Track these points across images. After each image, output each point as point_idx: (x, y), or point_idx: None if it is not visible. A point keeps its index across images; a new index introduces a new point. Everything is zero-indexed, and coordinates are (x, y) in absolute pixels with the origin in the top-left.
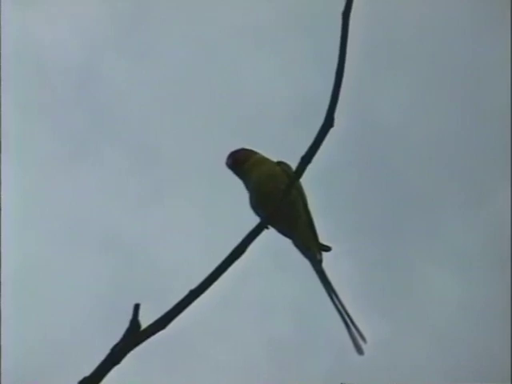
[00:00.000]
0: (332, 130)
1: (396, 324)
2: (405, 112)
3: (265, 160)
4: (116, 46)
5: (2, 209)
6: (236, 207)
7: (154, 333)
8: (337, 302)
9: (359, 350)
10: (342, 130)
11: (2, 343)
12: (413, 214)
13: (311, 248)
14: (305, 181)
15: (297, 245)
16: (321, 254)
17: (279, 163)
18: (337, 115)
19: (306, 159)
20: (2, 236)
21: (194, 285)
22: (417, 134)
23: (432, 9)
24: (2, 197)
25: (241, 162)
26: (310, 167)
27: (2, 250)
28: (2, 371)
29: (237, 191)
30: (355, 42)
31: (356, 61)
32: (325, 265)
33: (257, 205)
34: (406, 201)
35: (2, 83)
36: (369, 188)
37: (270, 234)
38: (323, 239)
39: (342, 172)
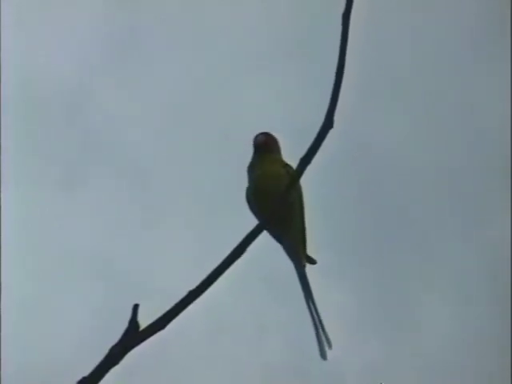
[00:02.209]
0: (327, 152)
1: (390, 348)
2: (402, 135)
3: (277, 160)
4: (109, 69)
5: None
6: (231, 230)
7: (153, 333)
8: (312, 307)
9: (323, 355)
10: (338, 153)
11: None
12: (409, 239)
13: (299, 253)
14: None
15: (286, 247)
16: (305, 261)
17: (286, 165)
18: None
19: (306, 160)
20: None
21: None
22: (413, 156)
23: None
24: None
25: (267, 149)
26: (305, 186)
27: None
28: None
29: (232, 214)
30: (351, 69)
31: (352, 86)
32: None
33: (254, 200)
34: (402, 225)
35: None
36: (364, 212)
37: (265, 256)
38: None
39: (337, 195)
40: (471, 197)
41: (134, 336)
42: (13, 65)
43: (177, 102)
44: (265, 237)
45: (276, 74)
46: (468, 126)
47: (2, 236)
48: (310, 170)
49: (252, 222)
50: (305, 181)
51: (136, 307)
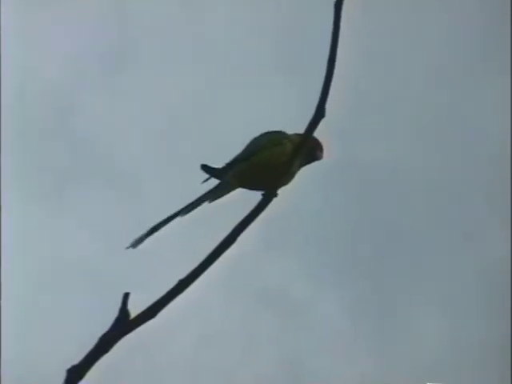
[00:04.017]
0: (320, 165)
1: (383, 360)
2: (395, 146)
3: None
4: (100, 78)
5: None
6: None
7: (143, 322)
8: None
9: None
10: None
11: None
12: (402, 251)
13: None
14: (294, 215)
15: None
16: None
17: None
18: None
19: (298, 150)
20: None
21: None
22: (403, 169)
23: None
24: None
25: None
26: (297, 201)
27: None
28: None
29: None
30: (345, 79)
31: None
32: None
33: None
34: (396, 237)
35: None
36: (358, 223)
37: (255, 266)
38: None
39: (330, 208)
40: (464, 209)
41: (124, 325)
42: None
43: (168, 112)
44: (256, 247)
45: (270, 86)
46: (464, 135)
47: None
48: (304, 181)
49: (242, 213)
50: (298, 192)
51: (126, 296)
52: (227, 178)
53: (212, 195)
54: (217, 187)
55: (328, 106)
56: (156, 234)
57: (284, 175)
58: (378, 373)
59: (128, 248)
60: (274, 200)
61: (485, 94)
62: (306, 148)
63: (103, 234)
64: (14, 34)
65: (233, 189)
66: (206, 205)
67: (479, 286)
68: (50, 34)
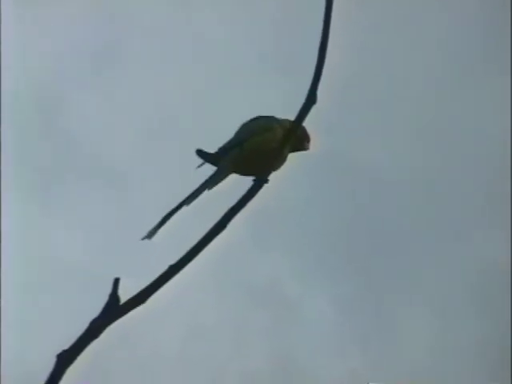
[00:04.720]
0: (313, 167)
1: (372, 357)
2: (387, 144)
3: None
4: (87, 76)
5: None
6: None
7: (133, 307)
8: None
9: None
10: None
11: None
12: (392, 249)
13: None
14: (286, 210)
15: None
16: None
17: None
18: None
19: (289, 136)
20: None
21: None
22: (397, 166)
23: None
24: None
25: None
26: (289, 196)
27: None
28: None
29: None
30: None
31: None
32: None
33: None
34: (386, 236)
35: None
36: (348, 224)
37: (245, 260)
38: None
39: (322, 203)
40: (456, 211)
41: (114, 310)
42: None
43: (157, 110)
44: (246, 242)
45: (262, 87)
46: (463, 134)
47: None
48: (296, 176)
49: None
50: (289, 187)
51: (117, 281)
52: (222, 163)
53: (211, 182)
54: (214, 174)
55: (321, 98)
56: (147, 222)
57: (275, 161)
58: (368, 369)
59: (143, 239)
60: (266, 192)
61: (485, 94)
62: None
63: (92, 232)
64: (1, 33)
65: (228, 174)
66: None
67: (474, 285)
68: (37, 33)
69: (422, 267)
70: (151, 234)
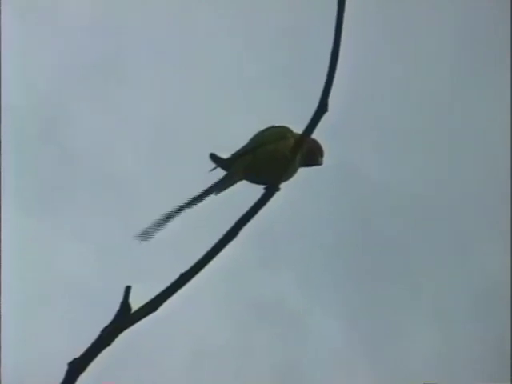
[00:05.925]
0: (317, 173)
1: (378, 373)
2: (393, 160)
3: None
4: (90, 88)
5: None
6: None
7: (144, 315)
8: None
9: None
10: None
11: None
12: (397, 264)
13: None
14: (290, 226)
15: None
16: None
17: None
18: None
19: (299, 144)
20: None
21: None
22: (397, 183)
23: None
24: None
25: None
26: (294, 211)
27: None
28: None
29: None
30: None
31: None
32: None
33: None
34: (390, 250)
35: None
36: (353, 239)
37: (251, 278)
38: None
39: (326, 219)
40: (462, 220)
41: (125, 318)
42: None
43: (158, 122)
44: (251, 258)
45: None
46: (464, 136)
47: None
48: (301, 199)
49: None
50: (296, 210)
51: (128, 289)
52: (233, 169)
53: (218, 187)
54: (222, 179)
55: (331, 109)
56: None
57: (287, 169)
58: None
59: (138, 239)
60: (271, 208)
61: (485, 94)
62: (307, 149)
63: (93, 244)
64: (1, 46)
65: (238, 181)
66: (208, 198)
67: (479, 297)
68: (38, 45)
69: (428, 281)
70: (147, 235)
